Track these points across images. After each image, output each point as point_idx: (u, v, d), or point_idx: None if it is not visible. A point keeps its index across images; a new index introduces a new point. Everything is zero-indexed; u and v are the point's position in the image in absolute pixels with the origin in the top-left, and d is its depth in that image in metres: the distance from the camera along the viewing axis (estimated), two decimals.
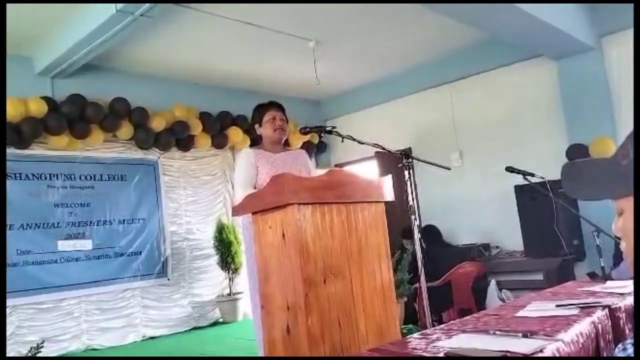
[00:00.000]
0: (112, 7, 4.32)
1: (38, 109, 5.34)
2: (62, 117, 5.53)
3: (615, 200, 0.89)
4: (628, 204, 0.86)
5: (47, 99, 5.48)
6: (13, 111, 5.19)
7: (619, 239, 0.92)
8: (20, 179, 5.48)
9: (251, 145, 6.24)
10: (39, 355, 2.94)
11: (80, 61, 5.45)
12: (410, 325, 4.86)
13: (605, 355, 1.78)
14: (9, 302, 5.08)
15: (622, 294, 2.31)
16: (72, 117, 5.59)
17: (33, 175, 5.60)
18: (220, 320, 6.80)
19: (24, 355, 2.97)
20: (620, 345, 0.80)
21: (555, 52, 5.82)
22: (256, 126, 3.43)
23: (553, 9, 4.97)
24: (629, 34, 5.48)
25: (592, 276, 3.19)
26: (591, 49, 5.66)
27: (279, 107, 3.43)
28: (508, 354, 1.45)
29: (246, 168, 3.22)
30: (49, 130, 5.46)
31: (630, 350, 0.78)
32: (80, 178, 5.93)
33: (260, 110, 3.41)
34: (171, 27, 5.25)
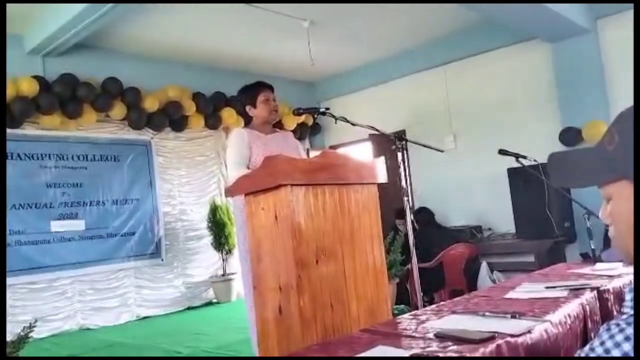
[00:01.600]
0: None
1: (29, 88, 5.28)
2: (53, 97, 5.47)
3: (603, 187, 0.89)
4: (616, 189, 0.86)
5: (38, 78, 5.42)
6: None
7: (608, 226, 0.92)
8: (12, 159, 5.44)
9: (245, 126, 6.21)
10: (31, 334, 2.96)
11: (71, 40, 5.39)
12: (402, 306, 4.91)
13: (592, 336, 1.80)
14: None
15: (610, 276, 2.34)
16: (64, 96, 5.54)
17: (25, 155, 5.56)
18: (214, 300, 6.84)
19: (17, 334, 2.97)
20: (604, 326, 0.81)
21: (550, 35, 5.80)
22: (248, 107, 3.38)
23: None
24: (624, 16, 5.46)
25: (585, 257, 3.22)
26: (586, 32, 5.64)
27: (271, 88, 3.40)
28: (497, 335, 1.47)
29: (240, 147, 3.20)
30: (41, 110, 5.41)
31: (614, 331, 0.79)
32: (72, 158, 5.90)
33: (252, 91, 3.37)
34: (164, 5, 5.17)
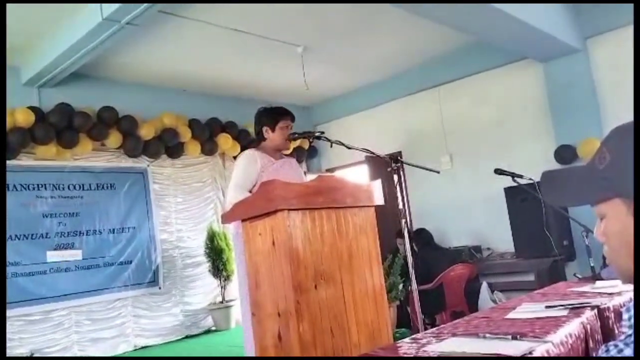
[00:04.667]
0: (98, 16, 4.30)
1: (25, 119, 5.30)
2: (49, 127, 5.49)
3: (596, 206, 0.89)
4: (608, 208, 0.86)
5: (34, 109, 5.43)
6: None
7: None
8: (9, 189, 5.42)
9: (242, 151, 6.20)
10: None
11: (67, 70, 5.42)
12: (404, 329, 4.87)
13: (594, 355, 1.78)
14: None
15: (611, 294, 2.32)
16: (60, 126, 5.56)
17: (21, 185, 5.55)
18: (213, 328, 6.76)
19: None
20: (603, 347, 0.81)
21: (541, 55, 5.87)
22: (265, 128, 3.34)
23: (538, 11, 5.02)
24: (614, 35, 5.54)
25: (580, 278, 3.24)
26: (577, 51, 5.71)
27: (293, 118, 3.41)
28: (498, 357, 1.46)
29: (247, 170, 3.17)
30: (37, 140, 5.42)
31: (613, 352, 0.78)
32: (69, 188, 5.88)
33: (276, 115, 3.35)
34: (158, 34, 5.23)
